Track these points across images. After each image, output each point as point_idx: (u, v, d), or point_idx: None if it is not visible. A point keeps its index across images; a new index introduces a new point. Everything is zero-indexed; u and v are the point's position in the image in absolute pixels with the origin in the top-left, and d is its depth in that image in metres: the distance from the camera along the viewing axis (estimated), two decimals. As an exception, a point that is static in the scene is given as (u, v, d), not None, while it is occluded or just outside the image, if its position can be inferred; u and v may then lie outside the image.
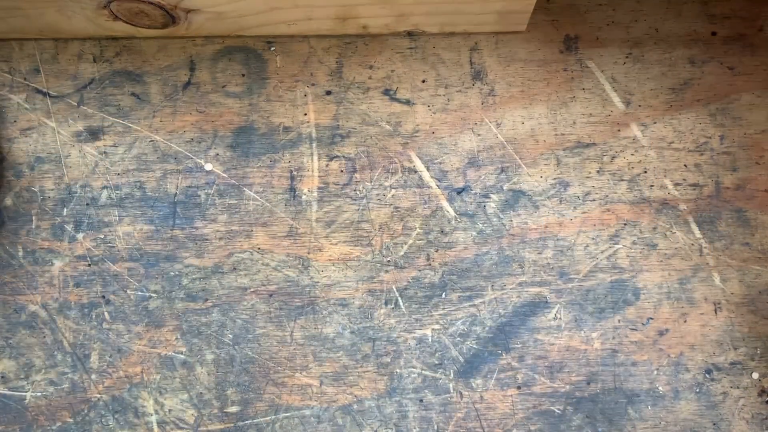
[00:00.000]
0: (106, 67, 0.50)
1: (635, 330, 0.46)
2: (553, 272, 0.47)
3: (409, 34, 0.52)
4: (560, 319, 0.46)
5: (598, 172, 0.49)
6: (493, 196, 0.48)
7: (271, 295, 0.47)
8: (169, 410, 0.45)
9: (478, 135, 0.50)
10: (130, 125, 0.49)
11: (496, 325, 0.46)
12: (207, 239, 0.47)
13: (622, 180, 0.49)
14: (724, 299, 0.47)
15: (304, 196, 0.48)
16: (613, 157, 0.50)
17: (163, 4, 0.47)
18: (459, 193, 0.49)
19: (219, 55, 0.51)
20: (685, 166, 0.50)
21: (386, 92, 0.50)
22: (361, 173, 0.49)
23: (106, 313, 0.45)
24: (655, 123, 0.50)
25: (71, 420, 0.44)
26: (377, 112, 0.50)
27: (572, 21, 0.53)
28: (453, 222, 0.48)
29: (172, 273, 0.46)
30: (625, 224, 0.48)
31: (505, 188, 0.49)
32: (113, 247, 0.47)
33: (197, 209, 0.48)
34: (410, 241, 0.48)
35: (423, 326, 0.46)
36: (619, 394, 0.45)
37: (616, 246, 0.48)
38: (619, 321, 0.46)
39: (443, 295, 0.47)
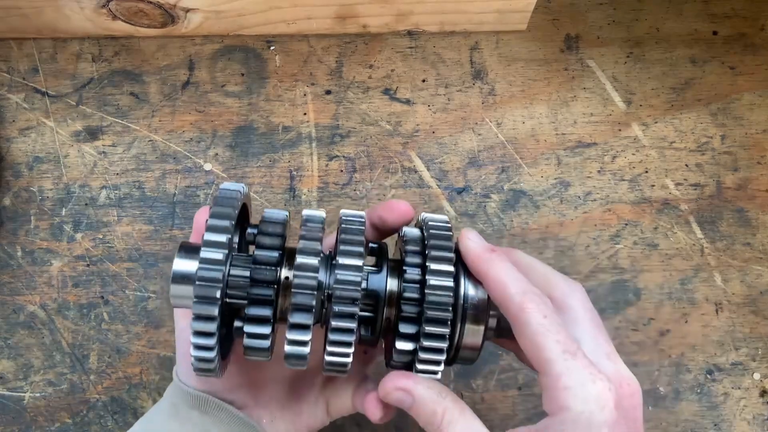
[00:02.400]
0: (104, 66, 0.50)
1: (636, 330, 0.46)
2: (554, 272, 0.47)
3: (409, 33, 0.52)
4: (561, 319, 0.46)
5: (599, 171, 0.49)
6: (494, 196, 0.48)
7: (270, 296, 0.46)
8: (169, 411, 0.45)
9: (479, 135, 0.50)
10: (129, 125, 0.49)
11: (497, 325, 0.46)
12: (206, 239, 0.47)
13: (623, 180, 0.49)
14: (726, 299, 0.47)
15: (303, 196, 0.48)
16: (614, 157, 0.49)
17: (162, 3, 0.47)
18: (459, 193, 0.48)
19: (218, 54, 0.51)
20: (686, 165, 0.49)
21: (386, 92, 0.50)
22: (361, 173, 0.48)
23: (105, 314, 0.45)
24: (656, 122, 0.50)
25: (70, 421, 0.44)
26: (377, 111, 0.50)
27: (573, 20, 0.52)
28: (453, 222, 0.48)
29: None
30: (626, 224, 0.48)
31: (505, 188, 0.49)
32: (112, 247, 0.46)
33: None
34: (410, 241, 0.47)
35: (423, 327, 0.46)
36: (620, 395, 0.45)
37: (617, 246, 0.48)
38: (620, 321, 0.46)
39: (443, 296, 0.47)
